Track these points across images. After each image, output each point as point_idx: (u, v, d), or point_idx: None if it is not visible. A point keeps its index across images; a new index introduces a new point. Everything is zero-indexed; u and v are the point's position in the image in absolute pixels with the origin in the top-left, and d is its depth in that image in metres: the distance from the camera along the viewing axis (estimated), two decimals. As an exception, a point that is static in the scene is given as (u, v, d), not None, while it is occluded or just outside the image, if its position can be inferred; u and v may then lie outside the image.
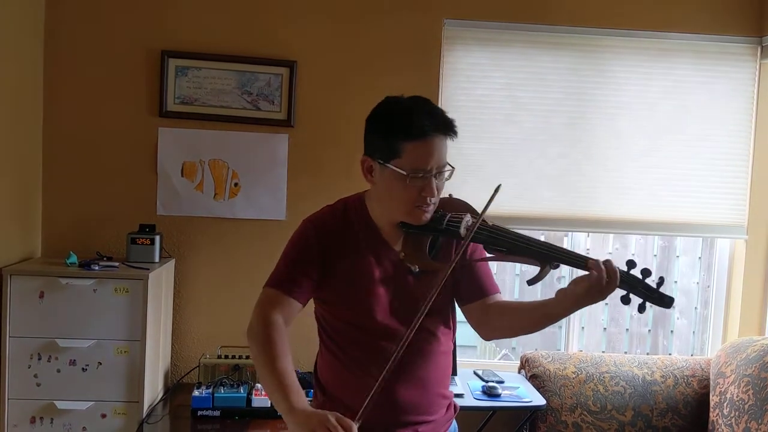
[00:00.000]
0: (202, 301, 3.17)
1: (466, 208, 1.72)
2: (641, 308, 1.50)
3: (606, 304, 3.72)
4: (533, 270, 1.59)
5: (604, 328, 4.05)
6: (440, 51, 3.16)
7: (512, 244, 1.58)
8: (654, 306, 1.51)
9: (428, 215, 1.62)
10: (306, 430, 1.39)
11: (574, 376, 3.06)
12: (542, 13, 3.17)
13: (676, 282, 3.98)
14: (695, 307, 3.65)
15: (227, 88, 3.09)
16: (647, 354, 3.53)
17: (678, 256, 3.67)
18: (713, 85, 3.25)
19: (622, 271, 1.50)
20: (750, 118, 3.28)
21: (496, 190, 1.60)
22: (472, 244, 1.67)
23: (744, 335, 3.27)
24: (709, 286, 3.54)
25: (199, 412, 2.71)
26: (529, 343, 4.04)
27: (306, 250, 1.67)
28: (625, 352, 3.54)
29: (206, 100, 3.09)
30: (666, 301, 1.49)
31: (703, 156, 3.27)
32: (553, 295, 1.56)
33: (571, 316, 3.42)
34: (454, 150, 3.32)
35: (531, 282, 1.57)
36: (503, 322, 1.70)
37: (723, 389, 2.93)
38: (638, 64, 3.23)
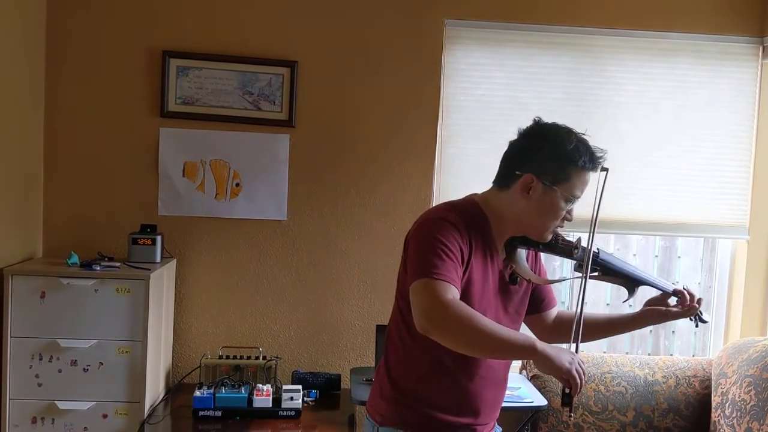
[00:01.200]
0: (203, 302, 3.17)
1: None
2: (696, 325, 1.91)
3: (607, 304, 3.71)
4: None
5: (606, 329, 4.04)
6: (441, 51, 3.16)
7: (606, 268, 1.80)
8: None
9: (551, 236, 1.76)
10: (561, 364, 1.53)
11: (575, 376, 3.05)
12: (543, 14, 3.17)
13: (677, 283, 3.97)
14: (697, 308, 3.65)
15: (228, 88, 3.09)
16: (648, 354, 3.52)
17: (679, 257, 3.65)
18: (714, 85, 3.25)
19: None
20: (751, 119, 3.27)
21: (605, 173, 1.72)
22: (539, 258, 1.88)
23: (746, 336, 3.27)
24: (710, 287, 3.53)
25: (201, 413, 2.70)
26: (531, 344, 4.03)
27: (457, 236, 1.62)
28: (627, 353, 3.53)
29: (207, 100, 3.10)
30: (705, 321, 1.91)
31: (705, 156, 3.27)
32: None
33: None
34: (454, 150, 3.33)
35: (625, 301, 1.84)
36: (567, 333, 1.81)
37: (725, 390, 2.92)
38: (639, 64, 3.22)
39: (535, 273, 1.82)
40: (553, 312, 1.93)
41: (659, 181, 3.26)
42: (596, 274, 1.77)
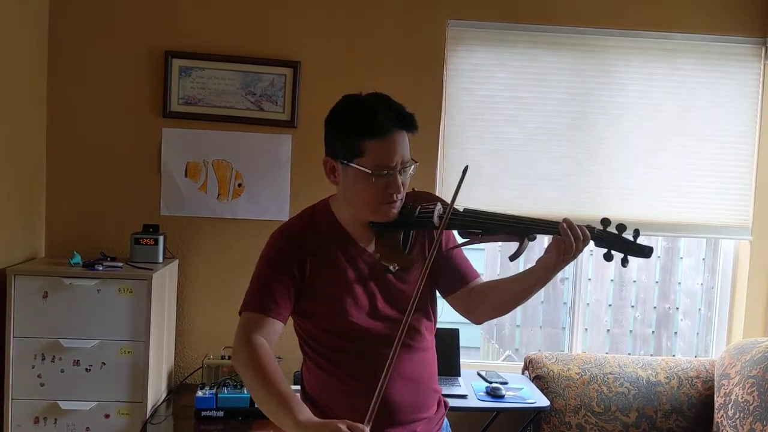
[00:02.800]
0: (205, 302, 3.17)
1: (435, 198, 1.72)
2: (624, 262, 1.58)
3: (609, 305, 3.72)
4: (514, 246, 1.61)
5: (608, 330, 4.04)
6: (444, 52, 3.15)
7: (486, 225, 1.60)
8: (637, 258, 1.58)
9: (395, 211, 1.62)
10: None
11: (577, 377, 3.06)
12: (546, 14, 3.17)
13: (680, 283, 3.97)
14: (699, 309, 3.64)
15: (231, 88, 3.09)
16: (651, 355, 3.51)
17: (682, 258, 3.66)
18: (717, 86, 3.25)
19: (598, 230, 1.56)
20: (754, 119, 3.27)
21: (464, 173, 1.60)
22: (445, 233, 1.69)
23: (748, 336, 3.26)
24: (713, 288, 3.53)
25: (203, 413, 2.70)
26: (533, 344, 4.03)
27: (280, 263, 1.62)
28: (629, 354, 3.53)
29: (210, 100, 3.10)
30: (646, 252, 1.55)
31: (708, 157, 3.26)
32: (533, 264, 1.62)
33: (575, 317, 3.42)
34: (456, 150, 3.33)
35: (513, 257, 1.61)
36: (491, 302, 1.72)
37: (727, 390, 2.92)
38: (642, 64, 3.22)
39: (434, 249, 1.58)
40: (475, 284, 1.75)
41: (662, 182, 3.25)
42: (479, 233, 1.61)
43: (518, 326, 4.10)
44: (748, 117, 3.27)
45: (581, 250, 1.56)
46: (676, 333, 3.67)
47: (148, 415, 2.69)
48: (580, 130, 3.23)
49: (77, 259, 2.77)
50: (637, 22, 3.19)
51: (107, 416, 2.66)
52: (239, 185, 3.13)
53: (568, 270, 3.53)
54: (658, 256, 3.58)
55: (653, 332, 3.74)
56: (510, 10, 3.16)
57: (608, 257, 1.58)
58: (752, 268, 3.32)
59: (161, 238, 2.91)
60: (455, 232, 1.73)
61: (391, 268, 1.64)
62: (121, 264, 2.79)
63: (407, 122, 1.60)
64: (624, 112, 3.23)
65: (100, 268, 2.70)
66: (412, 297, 1.52)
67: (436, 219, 1.61)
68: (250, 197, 3.14)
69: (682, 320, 3.92)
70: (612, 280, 4.09)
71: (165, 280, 2.88)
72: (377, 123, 1.56)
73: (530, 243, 1.61)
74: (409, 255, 1.68)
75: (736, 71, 3.25)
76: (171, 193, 3.11)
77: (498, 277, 1.70)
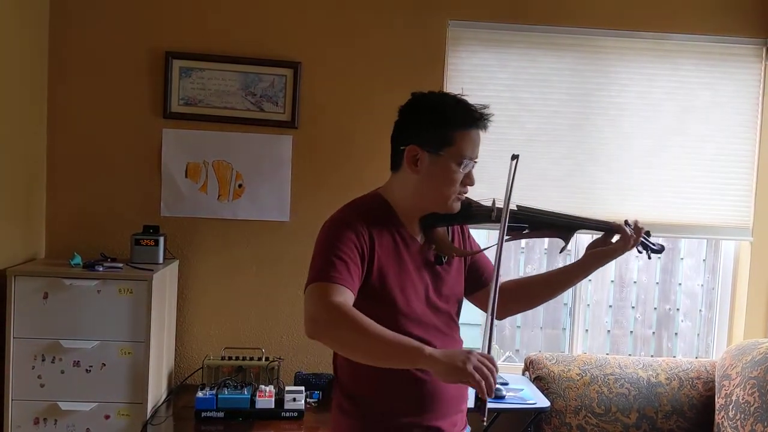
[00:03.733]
0: (205, 303, 3.17)
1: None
2: (649, 257, 1.85)
3: (610, 306, 3.72)
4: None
5: (608, 331, 4.04)
6: (444, 52, 3.15)
7: (534, 221, 1.71)
8: (657, 255, 1.86)
9: (459, 205, 1.70)
10: (454, 366, 1.36)
11: (578, 378, 3.05)
12: (546, 15, 3.17)
13: (680, 284, 3.97)
14: (699, 310, 3.64)
15: (231, 89, 3.09)
16: (651, 356, 3.51)
17: (682, 258, 3.66)
18: (718, 86, 3.25)
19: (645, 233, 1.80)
20: (755, 119, 3.27)
21: (515, 162, 1.69)
22: (470, 233, 1.82)
23: (749, 337, 3.26)
24: (713, 289, 3.53)
25: (203, 414, 2.70)
26: (534, 345, 4.03)
27: (348, 239, 1.59)
28: (630, 355, 3.52)
29: (210, 101, 3.10)
30: (659, 250, 1.85)
31: (708, 157, 3.26)
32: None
33: (575, 318, 3.41)
34: (458, 151, 3.30)
35: (561, 251, 1.78)
36: (521, 298, 1.82)
37: (728, 391, 2.91)
38: (642, 65, 3.22)
39: (462, 248, 1.76)
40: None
41: (662, 183, 3.25)
42: (526, 231, 1.71)
43: (518, 327, 4.10)
44: (748, 118, 3.27)
45: (632, 248, 1.76)
46: (676, 334, 3.67)
47: (148, 415, 2.68)
48: (581, 130, 3.23)
49: (77, 259, 2.77)
50: (638, 22, 3.19)
51: (107, 417, 2.66)
52: (240, 186, 3.13)
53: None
54: (659, 257, 3.57)
55: (654, 333, 3.74)
56: (510, 11, 3.16)
57: (639, 252, 1.82)
58: (753, 268, 3.32)
59: (161, 239, 2.91)
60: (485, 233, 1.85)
61: (444, 259, 1.72)
62: (121, 265, 2.79)
63: (487, 122, 1.70)
64: (624, 112, 3.23)
65: (101, 269, 2.70)
66: (454, 288, 1.71)
67: (493, 214, 1.70)
68: (251, 198, 3.13)
69: (682, 321, 3.92)
70: (612, 281, 4.10)
71: (165, 280, 2.88)
72: (469, 115, 1.66)
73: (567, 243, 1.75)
74: (458, 248, 1.76)
75: (736, 72, 3.25)
76: (171, 193, 3.11)
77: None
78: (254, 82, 3.10)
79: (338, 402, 1.74)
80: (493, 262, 1.82)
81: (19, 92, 2.84)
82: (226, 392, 2.75)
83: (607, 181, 3.24)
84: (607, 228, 1.77)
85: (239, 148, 3.11)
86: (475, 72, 3.19)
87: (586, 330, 3.56)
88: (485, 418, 1.41)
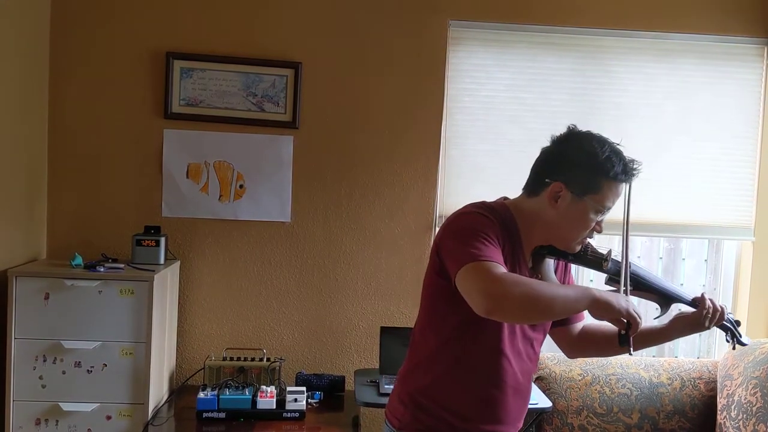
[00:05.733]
0: (207, 303, 3.17)
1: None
2: (733, 347, 1.88)
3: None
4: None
5: (610, 331, 4.04)
6: (445, 52, 3.15)
7: (640, 285, 1.77)
8: (739, 345, 1.88)
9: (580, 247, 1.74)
10: (619, 305, 1.55)
11: (580, 378, 3.05)
12: (547, 14, 3.16)
13: (682, 284, 3.96)
14: (701, 310, 3.65)
15: (232, 89, 3.09)
16: (653, 356, 3.51)
17: (684, 259, 3.64)
18: (719, 86, 3.24)
19: (727, 315, 1.81)
20: (757, 119, 3.26)
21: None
22: (566, 274, 1.88)
23: (751, 337, 3.24)
24: (715, 289, 3.52)
25: (204, 414, 2.70)
26: (535, 346, 4.02)
27: (492, 227, 1.61)
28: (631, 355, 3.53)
29: (211, 101, 3.10)
30: (744, 343, 1.87)
31: (710, 157, 3.26)
32: None
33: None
34: (458, 151, 3.32)
35: (656, 318, 1.85)
36: (598, 348, 1.88)
37: (730, 392, 2.91)
38: (643, 64, 3.21)
39: (626, 287, 1.76)
40: (579, 326, 1.90)
41: (664, 183, 3.24)
42: (628, 288, 1.72)
43: (520, 328, 4.10)
44: (750, 117, 3.26)
45: (711, 326, 1.79)
46: (678, 334, 3.67)
47: (149, 416, 2.68)
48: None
49: (78, 260, 2.77)
50: (638, 22, 3.19)
51: (109, 418, 2.66)
52: (240, 186, 3.13)
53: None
54: (660, 257, 3.57)
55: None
56: (511, 11, 3.16)
57: (726, 340, 1.87)
58: (755, 269, 3.31)
59: (163, 240, 2.91)
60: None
61: None
62: (122, 265, 2.79)
63: (634, 177, 1.72)
64: (625, 112, 3.22)
65: (102, 270, 2.70)
66: None
67: (606, 264, 1.74)
68: (252, 198, 3.13)
69: (684, 321, 3.91)
70: (614, 282, 4.08)
71: (166, 281, 2.88)
72: (624, 170, 1.67)
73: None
74: (560, 283, 1.80)
75: (738, 71, 3.24)
76: (172, 194, 3.11)
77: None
78: (255, 83, 3.10)
79: (399, 390, 1.78)
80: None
81: (20, 93, 2.84)
82: (228, 393, 2.75)
83: (609, 181, 3.22)
84: (693, 304, 1.81)
85: (240, 149, 3.11)
86: (475, 72, 3.19)
87: (588, 330, 3.59)
88: (631, 351, 1.62)
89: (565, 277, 1.86)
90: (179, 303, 3.14)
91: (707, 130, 3.25)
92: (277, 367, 2.91)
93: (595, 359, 3.14)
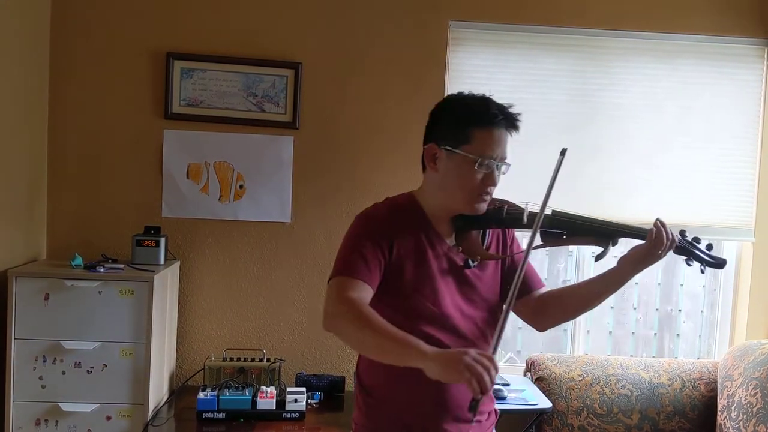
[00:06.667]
0: (207, 304, 3.17)
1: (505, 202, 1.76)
2: (702, 270, 1.71)
3: (611, 307, 3.70)
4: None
5: (610, 332, 4.03)
6: (445, 53, 3.15)
7: (573, 227, 1.67)
8: (712, 269, 1.72)
9: (485, 206, 1.67)
10: (454, 366, 1.34)
11: (580, 378, 3.05)
12: (547, 15, 3.16)
13: (682, 285, 3.96)
14: (701, 311, 3.63)
15: (232, 90, 3.09)
16: (653, 357, 3.51)
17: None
18: (719, 87, 3.24)
19: (680, 239, 1.66)
20: (757, 120, 3.26)
21: (562, 156, 1.65)
22: (513, 240, 1.79)
23: (751, 338, 3.25)
24: (715, 289, 3.52)
25: (204, 415, 2.70)
26: (535, 346, 4.02)
27: (371, 236, 1.62)
28: (631, 356, 3.52)
29: (211, 102, 3.09)
30: (719, 263, 1.70)
31: (710, 157, 3.26)
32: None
33: (577, 319, 3.40)
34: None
35: (598, 258, 1.68)
36: (562, 308, 1.77)
37: (731, 392, 2.91)
38: (643, 65, 3.22)
39: (497, 254, 1.73)
40: (538, 293, 1.80)
41: (664, 183, 3.25)
42: (564, 237, 1.67)
43: (520, 328, 4.09)
44: (750, 118, 3.26)
45: (665, 253, 1.63)
46: (678, 335, 3.66)
47: (149, 416, 2.68)
48: (582, 131, 3.22)
49: (78, 260, 2.76)
50: (639, 23, 3.19)
51: (109, 418, 2.66)
52: (241, 187, 3.13)
53: (569, 272, 3.53)
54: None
55: (655, 334, 3.72)
56: (511, 11, 3.16)
57: (688, 264, 1.70)
58: (755, 269, 3.32)
59: (163, 240, 2.91)
60: (520, 237, 1.81)
61: (472, 262, 1.69)
62: (122, 266, 2.79)
63: (511, 121, 1.65)
64: (625, 113, 3.23)
65: (102, 270, 2.70)
66: (485, 294, 1.69)
67: (525, 218, 1.67)
68: (252, 199, 3.13)
69: (684, 322, 3.91)
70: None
71: (166, 281, 2.88)
72: (488, 113, 1.62)
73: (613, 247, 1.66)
74: (489, 252, 1.73)
75: (738, 72, 3.25)
76: (172, 194, 3.11)
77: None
78: (255, 83, 3.10)
79: (355, 396, 1.79)
80: (537, 271, 1.84)
81: (21, 93, 2.84)
82: (228, 393, 2.75)
83: (608, 181, 3.23)
84: (642, 235, 1.65)
85: (240, 149, 3.11)
86: (475, 72, 3.19)
87: (588, 331, 3.56)
88: (472, 415, 1.44)
89: (507, 249, 1.77)
90: (179, 303, 3.13)
91: (707, 131, 3.25)
92: (277, 368, 2.91)
93: (595, 360, 3.15)
